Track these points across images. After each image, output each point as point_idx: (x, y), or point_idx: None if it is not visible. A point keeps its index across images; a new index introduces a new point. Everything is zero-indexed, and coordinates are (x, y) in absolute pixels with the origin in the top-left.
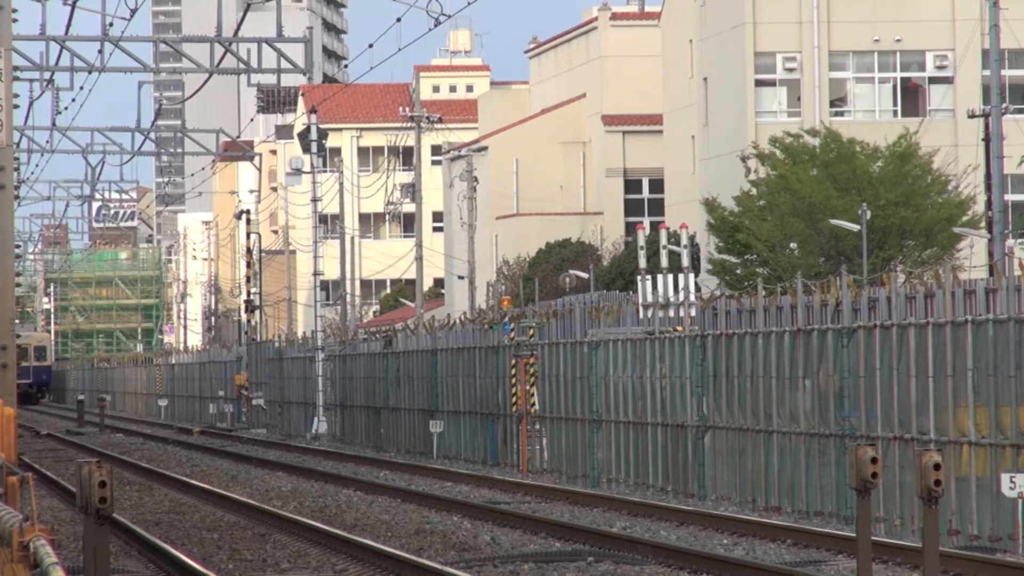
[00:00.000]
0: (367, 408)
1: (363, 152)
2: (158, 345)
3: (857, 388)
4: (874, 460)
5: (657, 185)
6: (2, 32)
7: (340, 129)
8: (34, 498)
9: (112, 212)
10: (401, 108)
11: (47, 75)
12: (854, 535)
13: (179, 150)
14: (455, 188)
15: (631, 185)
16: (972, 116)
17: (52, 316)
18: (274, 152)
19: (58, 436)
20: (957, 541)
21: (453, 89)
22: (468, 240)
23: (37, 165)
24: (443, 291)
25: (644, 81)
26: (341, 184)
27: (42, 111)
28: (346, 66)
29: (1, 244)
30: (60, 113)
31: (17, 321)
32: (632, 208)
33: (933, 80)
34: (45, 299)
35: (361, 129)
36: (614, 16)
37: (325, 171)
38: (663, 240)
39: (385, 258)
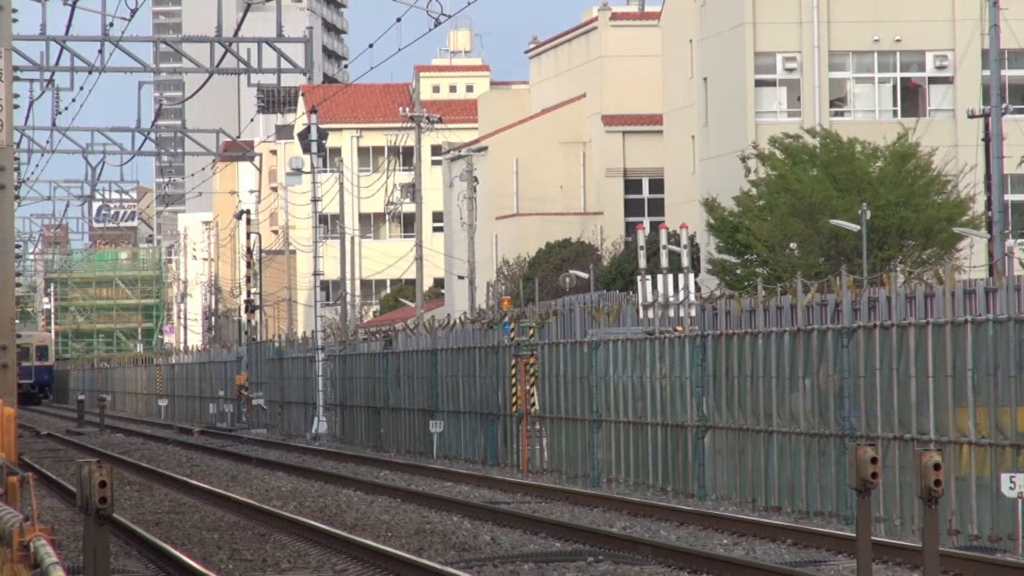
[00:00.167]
0: (367, 408)
1: (363, 152)
2: (158, 345)
3: (857, 388)
4: (874, 460)
5: (657, 185)
6: (2, 32)
7: (340, 129)
8: (34, 498)
9: (112, 212)
10: (401, 108)
11: (47, 75)
12: (854, 535)
13: (179, 150)
14: (455, 188)
15: (631, 185)
16: (972, 116)
17: (52, 316)
18: (274, 152)
19: (58, 436)
20: (957, 541)
21: (453, 89)
22: (468, 240)
23: (37, 165)
24: (443, 291)
25: (644, 81)
26: (341, 184)
27: (42, 111)
28: (346, 66)
29: (1, 244)
30: (60, 113)
31: (17, 321)
32: (632, 208)
33: (933, 80)
34: (45, 299)
35: (361, 129)
36: (614, 16)
37: (325, 171)
38: (663, 240)
39: (385, 258)
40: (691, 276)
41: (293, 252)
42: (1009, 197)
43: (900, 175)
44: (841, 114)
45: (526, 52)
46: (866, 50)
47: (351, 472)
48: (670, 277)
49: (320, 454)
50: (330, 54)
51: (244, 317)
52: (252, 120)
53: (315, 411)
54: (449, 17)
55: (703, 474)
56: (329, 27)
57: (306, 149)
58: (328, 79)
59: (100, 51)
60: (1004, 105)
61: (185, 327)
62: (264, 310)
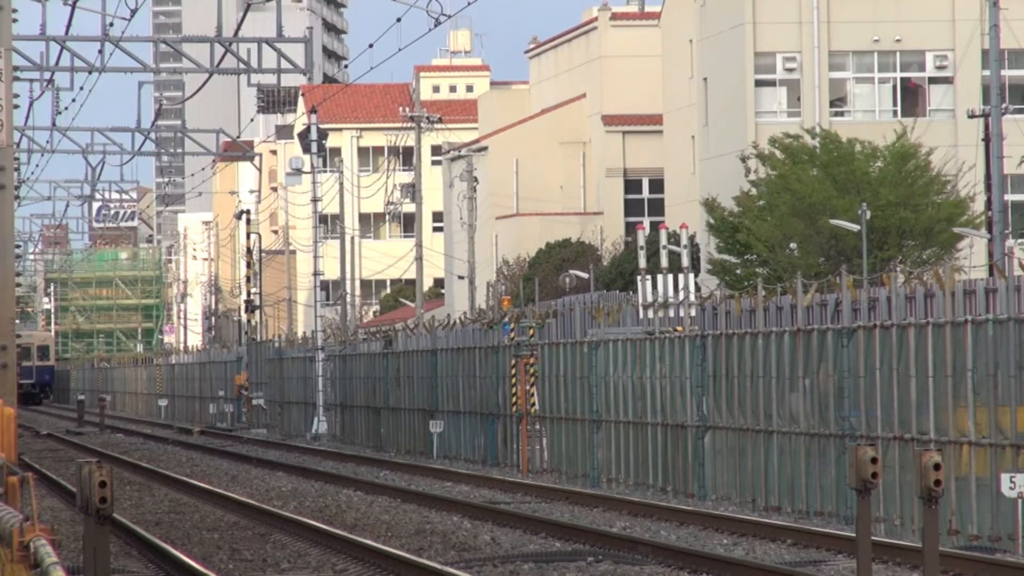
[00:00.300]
0: (367, 408)
1: (363, 152)
2: (158, 345)
3: (857, 388)
4: (874, 460)
5: (657, 185)
6: (2, 32)
7: (340, 129)
8: (34, 498)
9: (112, 212)
10: (401, 108)
11: (47, 75)
12: (854, 535)
13: (179, 150)
14: (455, 188)
15: (631, 185)
16: (972, 116)
17: (52, 316)
18: (274, 152)
19: (58, 436)
20: (957, 541)
21: (453, 89)
22: (468, 240)
23: (37, 165)
24: (443, 291)
25: (644, 81)
26: (341, 184)
27: (42, 111)
28: (346, 66)
29: (1, 244)
30: (60, 113)
31: (17, 321)
32: (632, 208)
33: (933, 80)
34: (45, 299)
35: (361, 129)
36: (614, 16)
37: (325, 171)
38: (663, 240)
39: (385, 258)
40: (691, 276)
41: (293, 252)
42: (1009, 197)
43: (900, 175)
44: (841, 114)
45: (526, 52)
46: (866, 50)
47: (351, 472)
48: (670, 277)
49: (320, 454)
50: (330, 54)
51: (244, 317)
52: (252, 120)
53: (315, 411)
54: (449, 17)
55: (703, 474)
56: (329, 27)
57: (306, 149)
58: (328, 79)
59: (100, 51)
60: (1004, 105)
61: (185, 327)
62: (264, 310)
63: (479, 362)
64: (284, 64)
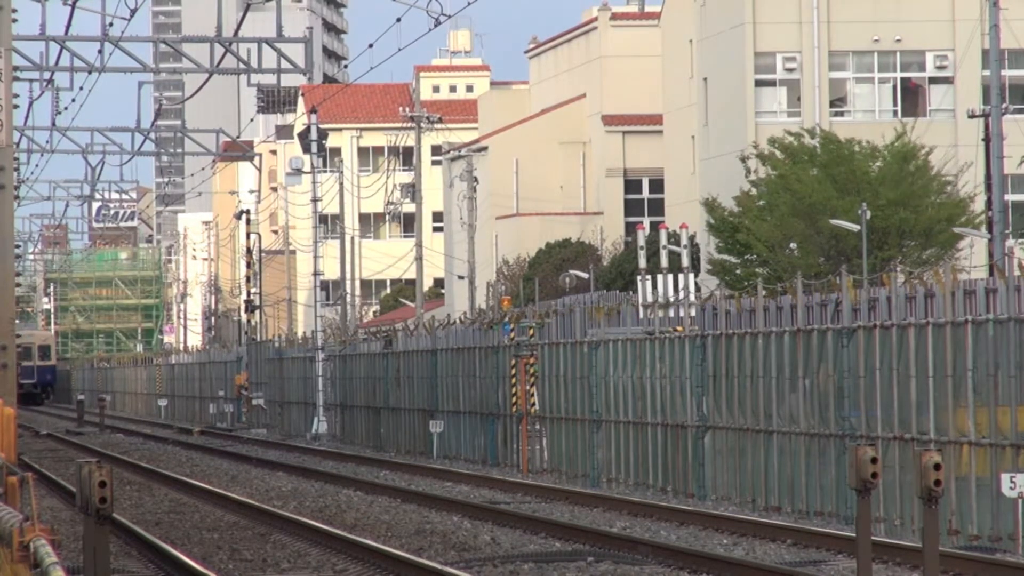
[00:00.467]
0: (367, 408)
1: (363, 152)
2: (158, 345)
3: (857, 388)
4: (874, 460)
5: (657, 185)
6: (2, 32)
7: (340, 129)
8: (34, 498)
9: (112, 212)
10: (401, 108)
11: (47, 75)
12: (854, 535)
13: (179, 150)
14: (455, 188)
15: (631, 185)
16: (972, 116)
17: (52, 316)
18: (274, 152)
19: (58, 436)
20: (957, 541)
21: (453, 89)
22: (468, 240)
23: (37, 165)
24: (443, 291)
25: (644, 81)
26: (341, 184)
27: (42, 111)
28: (346, 66)
29: (1, 244)
30: (60, 113)
31: (17, 321)
32: (632, 208)
33: (933, 80)
34: (45, 299)
35: (361, 129)
36: (614, 16)
37: (325, 171)
38: (663, 240)
39: (385, 258)
40: (691, 276)
41: (293, 252)
42: (1009, 197)
43: (901, 174)
44: (841, 114)
45: (526, 52)
46: (866, 50)
47: (351, 472)
48: (670, 277)
49: (320, 454)
50: (330, 54)
51: (244, 317)
52: (252, 120)
53: (315, 411)
54: (449, 17)
55: (703, 474)
56: (329, 27)
57: (306, 149)
58: (328, 79)
59: (100, 51)
60: (1004, 105)
61: (185, 327)
62: (264, 310)
63: (479, 362)
64: (284, 64)
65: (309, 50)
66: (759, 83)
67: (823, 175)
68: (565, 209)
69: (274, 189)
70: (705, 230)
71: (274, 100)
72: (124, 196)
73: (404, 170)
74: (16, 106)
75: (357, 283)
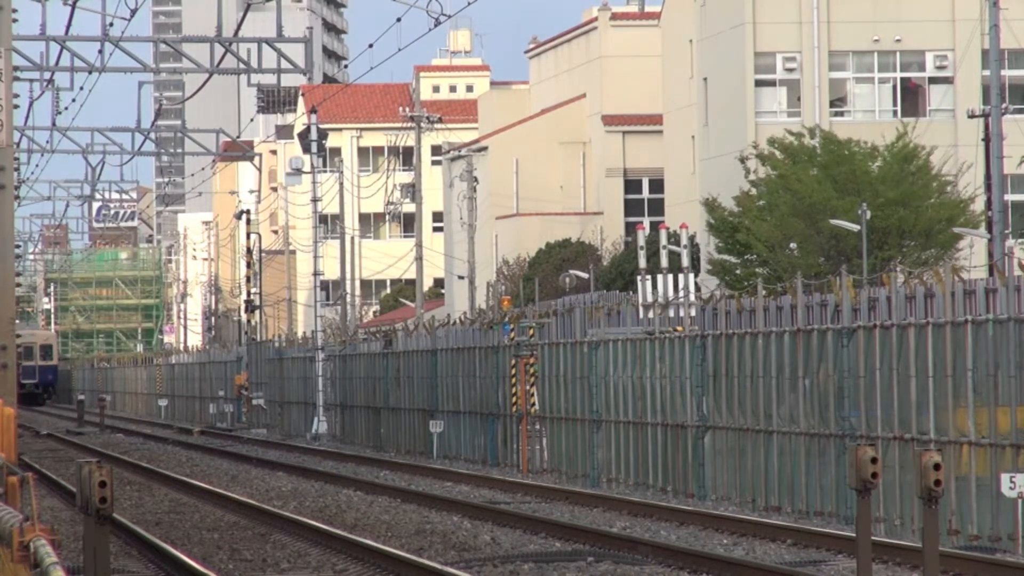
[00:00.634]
0: (367, 408)
1: (363, 152)
2: (158, 345)
3: (857, 388)
4: (874, 460)
5: (657, 185)
6: (2, 32)
7: (340, 129)
8: (34, 498)
9: (112, 212)
10: (401, 108)
11: (47, 75)
12: (854, 535)
13: (179, 150)
14: (455, 188)
15: (631, 185)
16: (972, 116)
17: (52, 316)
18: (274, 152)
19: (58, 436)
20: (957, 541)
21: (453, 89)
22: (468, 240)
23: (37, 165)
24: (443, 291)
25: (644, 81)
26: (341, 184)
27: (42, 111)
28: (346, 66)
29: (1, 244)
30: (60, 113)
31: (18, 321)
32: (632, 208)
33: (933, 80)
34: (45, 299)
35: (361, 129)
36: (614, 16)
37: (325, 171)
38: (663, 240)
39: (385, 258)
40: (691, 276)
41: (293, 252)
42: (1009, 197)
43: (901, 174)
44: (841, 114)
45: (526, 52)
46: (866, 50)
47: (351, 472)
48: (670, 277)
49: (320, 454)
50: (330, 54)
51: (244, 317)
52: (252, 120)
53: (315, 411)
54: (449, 17)
55: (703, 474)
56: (329, 27)
57: (306, 149)
58: (328, 79)
59: (100, 51)
60: (1004, 105)
61: (185, 327)
62: (264, 310)
63: (479, 362)
64: (284, 64)
65: (309, 50)
66: (759, 83)
67: (823, 175)
68: (565, 209)
69: (274, 189)
70: (705, 230)
71: (274, 100)
72: (124, 196)
73: (404, 170)
74: (16, 106)
75: (357, 283)
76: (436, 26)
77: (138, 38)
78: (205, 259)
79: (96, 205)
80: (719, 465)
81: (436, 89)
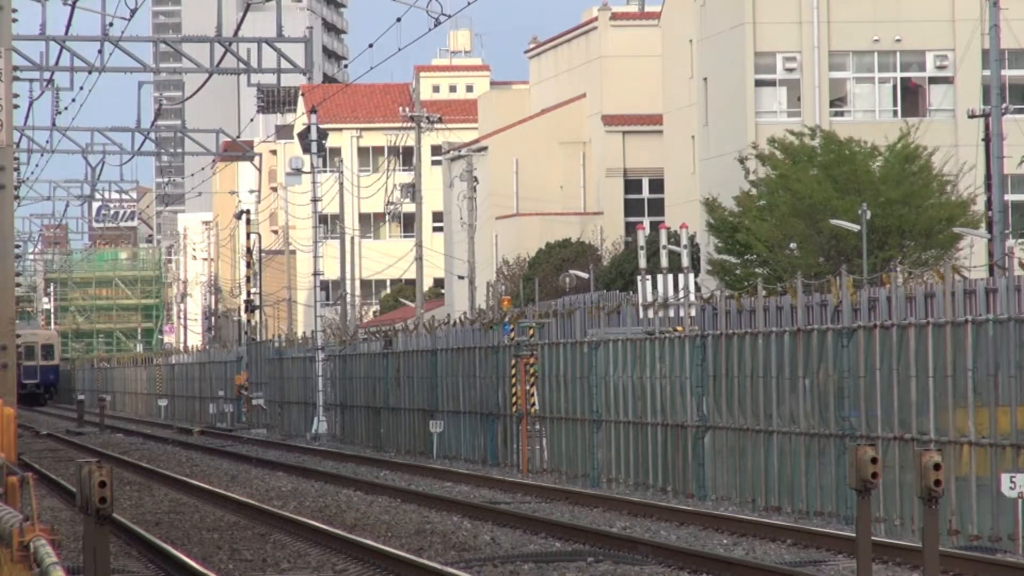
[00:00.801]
0: (367, 408)
1: (363, 152)
2: (158, 345)
3: (857, 388)
4: (874, 460)
5: (657, 185)
6: (2, 32)
7: (340, 129)
8: (34, 498)
9: (112, 212)
10: (401, 108)
11: (47, 75)
12: (854, 535)
13: (179, 150)
14: (455, 188)
15: (631, 185)
16: (972, 116)
17: (52, 316)
18: (274, 152)
19: (58, 436)
20: (957, 541)
21: (453, 89)
22: (468, 240)
23: (37, 165)
24: (443, 291)
25: (644, 81)
26: (341, 184)
27: (42, 111)
28: (346, 66)
29: (1, 244)
30: (60, 113)
31: (18, 321)
32: (632, 208)
33: (933, 80)
34: (45, 299)
35: (361, 129)
36: (614, 16)
37: (325, 171)
38: (663, 240)
39: (385, 258)
40: (691, 276)
41: (293, 252)
42: (1009, 197)
43: (903, 174)
44: (841, 114)
45: (526, 52)
46: (866, 50)
47: (351, 472)
48: (670, 277)
49: (320, 454)
50: (330, 54)
51: (244, 317)
52: (252, 120)
53: (315, 411)
54: (449, 17)
55: (703, 474)
56: (329, 27)
57: (306, 149)
58: (328, 79)
59: (100, 51)
60: (1004, 105)
61: (185, 327)
62: (264, 310)
63: (479, 362)
64: (284, 64)
65: (309, 50)
66: (759, 83)
67: (823, 175)
68: (565, 209)
69: (274, 189)
70: (705, 230)
71: (274, 100)
72: (124, 196)
73: (404, 170)
74: (16, 106)
75: (357, 283)
76: (436, 26)
77: (138, 38)
78: (205, 259)
79: (96, 205)
80: (719, 465)
81: (436, 89)
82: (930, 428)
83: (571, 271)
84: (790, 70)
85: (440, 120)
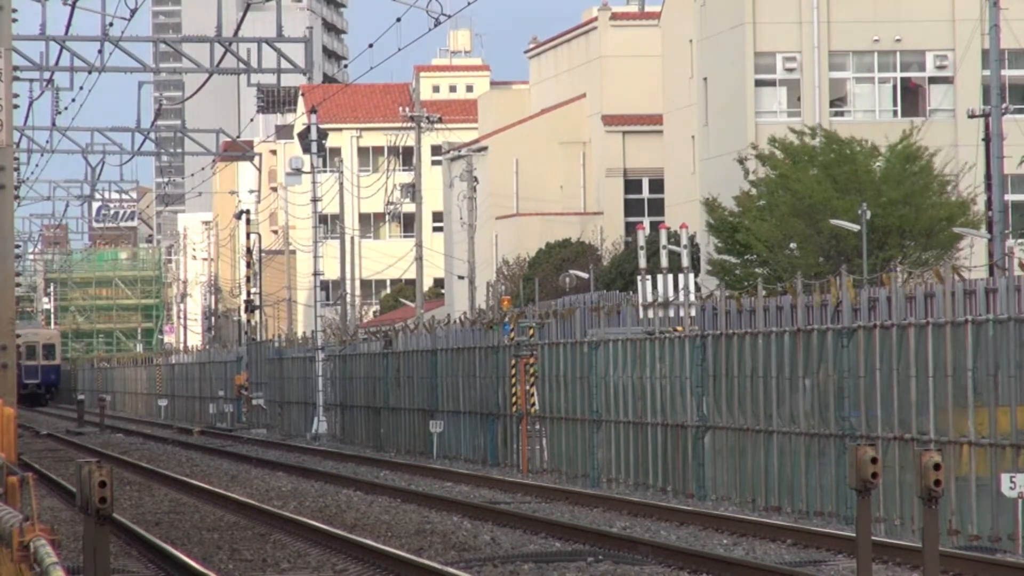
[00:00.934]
0: (367, 408)
1: (363, 152)
2: (158, 345)
3: (857, 388)
4: (874, 460)
5: (657, 185)
6: (2, 32)
7: (340, 129)
8: (34, 498)
9: (112, 212)
10: (401, 108)
11: (47, 75)
12: (854, 535)
13: (179, 150)
14: (455, 188)
15: (631, 185)
16: (972, 116)
17: (52, 316)
18: (274, 152)
19: (58, 436)
20: (957, 541)
21: (453, 89)
22: (468, 240)
23: (37, 165)
24: (443, 291)
25: (644, 81)
26: (341, 184)
27: (42, 111)
28: (346, 66)
29: (1, 244)
30: (60, 113)
31: (19, 320)
32: (632, 208)
33: (933, 80)
34: (45, 299)
35: (361, 129)
36: (614, 16)
37: (325, 171)
38: (663, 240)
39: (385, 258)
40: (691, 276)
41: (293, 252)
42: (1009, 197)
43: (904, 173)
44: (841, 114)
45: (526, 52)
46: (866, 50)
47: (351, 472)
48: (670, 277)
49: (320, 454)
50: (330, 54)
51: (244, 317)
52: (252, 120)
53: (315, 411)
54: (449, 17)
55: (703, 474)
56: (329, 27)
57: (306, 149)
58: (328, 79)
59: (100, 51)
60: (1004, 105)
61: (185, 327)
62: (264, 310)
63: (479, 362)
64: (284, 64)
65: (309, 50)
66: (759, 83)
67: (823, 175)
68: (565, 209)
69: (274, 189)
70: (705, 230)
71: (274, 100)
72: (124, 196)
73: (404, 170)
74: (16, 106)
75: (357, 283)
76: (436, 26)
77: (138, 38)
78: (205, 259)
79: (96, 205)
80: (719, 465)
81: (436, 89)
82: (930, 428)
83: (571, 271)
84: (790, 70)
85: (440, 120)
